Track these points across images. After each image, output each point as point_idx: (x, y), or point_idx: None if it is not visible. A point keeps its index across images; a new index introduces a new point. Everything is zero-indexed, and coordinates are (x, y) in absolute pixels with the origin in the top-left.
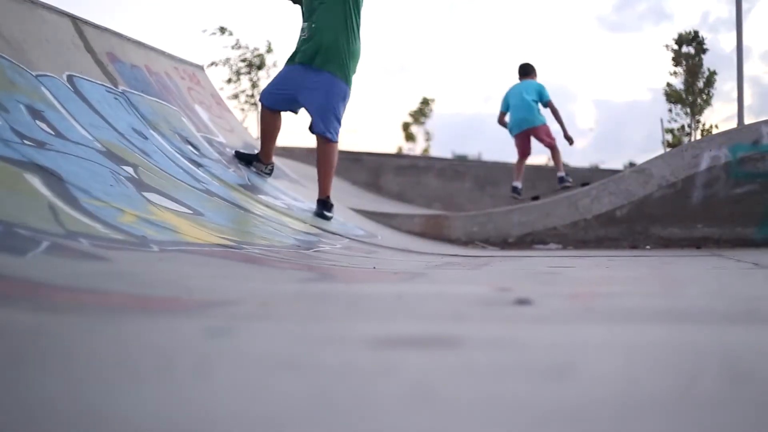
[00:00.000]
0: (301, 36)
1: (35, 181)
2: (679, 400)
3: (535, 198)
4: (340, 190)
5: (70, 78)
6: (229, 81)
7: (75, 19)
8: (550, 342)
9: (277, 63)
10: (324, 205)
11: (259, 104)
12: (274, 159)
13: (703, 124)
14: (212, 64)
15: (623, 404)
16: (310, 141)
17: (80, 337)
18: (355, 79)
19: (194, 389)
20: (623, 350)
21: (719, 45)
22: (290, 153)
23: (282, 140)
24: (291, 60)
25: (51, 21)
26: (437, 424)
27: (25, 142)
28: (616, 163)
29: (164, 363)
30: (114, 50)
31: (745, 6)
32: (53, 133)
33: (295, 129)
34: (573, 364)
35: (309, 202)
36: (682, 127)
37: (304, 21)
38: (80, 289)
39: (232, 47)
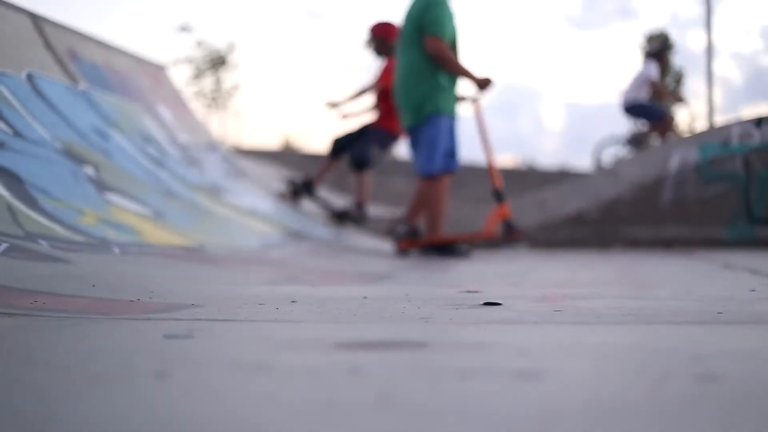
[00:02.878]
0: (448, 85)
1: None
2: (649, 401)
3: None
4: None
5: (29, 76)
6: (195, 77)
7: (34, 16)
8: (518, 344)
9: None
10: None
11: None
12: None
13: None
14: (175, 63)
15: (593, 406)
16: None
17: (40, 340)
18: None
19: (156, 393)
20: (592, 352)
21: (687, 44)
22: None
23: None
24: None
25: (9, 18)
26: (403, 429)
27: None
28: (586, 162)
29: (125, 367)
30: (74, 48)
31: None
32: (11, 132)
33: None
34: (542, 366)
35: (272, 202)
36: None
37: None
38: (39, 291)
39: (197, 44)
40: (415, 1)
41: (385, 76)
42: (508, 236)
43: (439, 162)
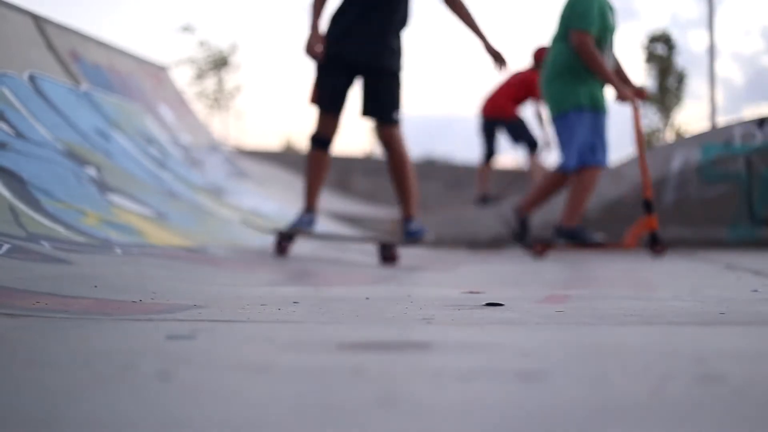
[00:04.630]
0: (592, 80)
1: None
2: (651, 402)
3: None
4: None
5: (31, 77)
6: (197, 78)
7: (36, 17)
8: (520, 345)
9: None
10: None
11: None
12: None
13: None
14: (177, 64)
15: (595, 407)
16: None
17: (42, 341)
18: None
19: (158, 394)
20: (595, 353)
21: (688, 45)
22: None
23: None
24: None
25: (11, 19)
26: (406, 430)
27: None
28: None
29: (128, 367)
30: (76, 49)
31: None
32: (13, 133)
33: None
34: (544, 367)
35: (274, 202)
36: (656, 130)
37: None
38: (42, 292)
39: (199, 45)
40: None
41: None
42: (653, 249)
43: (574, 157)
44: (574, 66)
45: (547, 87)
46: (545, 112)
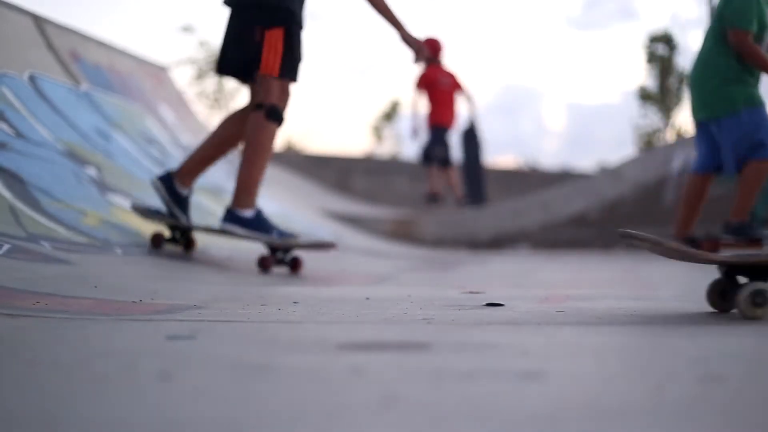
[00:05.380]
0: (751, 79)
1: None
2: (651, 401)
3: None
4: (308, 191)
5: (31, 77)
6: (197, 78)
7: (36, 18)
8: (521, 345)
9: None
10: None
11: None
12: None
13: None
14: (177, 64)
15: (595, 407)
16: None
17: (42, 341)
18: (319, 79)
19: (159, 393)
20: (595, 353)
21: (688, 45)
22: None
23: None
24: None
25: (11, 19)
26: (407, 430)
27: None
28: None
29: (128, 367)
30: (77, 49)
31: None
32: (14, 133)
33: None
34: (544, 367)
35: (275, 203)
36: (657, 130)
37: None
38: (42, 293)
39: (200, 45)
40: None
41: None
42: None
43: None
44: (735, 65)
45: (710, 87)
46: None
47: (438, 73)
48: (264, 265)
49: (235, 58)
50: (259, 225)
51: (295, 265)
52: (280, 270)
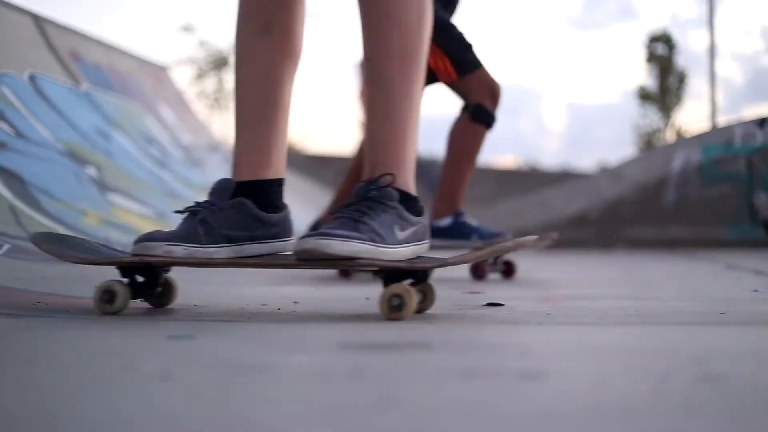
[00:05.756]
0: None
1: None
2: (652, 403)
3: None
4: (309, 191)
5: (31, 77)
6: (197, 78)
7: (36, 17)
8: (521, 345)
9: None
10: None
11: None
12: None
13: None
14: (177, 64)
15: (595, 407)
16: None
17: (42, 341)
18: (319, 78)
19: (159, 394)
20: (595, 353)
21: (689, 45)
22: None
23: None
24: None
25: (11, 19)
26: (407, 430)
27: None
28: (587, 162)
29: (128, 367)
30: (77, 49)
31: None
32: (14, 133)
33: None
34: (544, 367)
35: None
36: (657, 130)
37: None
38: (42, 292)
39: (200, 45)
40: None
41: None
42: None
43: None
44: None
45: None
46: None
47: None
48: (478, 273)
49: None
50: (455, 232)
51: (508, 270)
52: (277, 270)
